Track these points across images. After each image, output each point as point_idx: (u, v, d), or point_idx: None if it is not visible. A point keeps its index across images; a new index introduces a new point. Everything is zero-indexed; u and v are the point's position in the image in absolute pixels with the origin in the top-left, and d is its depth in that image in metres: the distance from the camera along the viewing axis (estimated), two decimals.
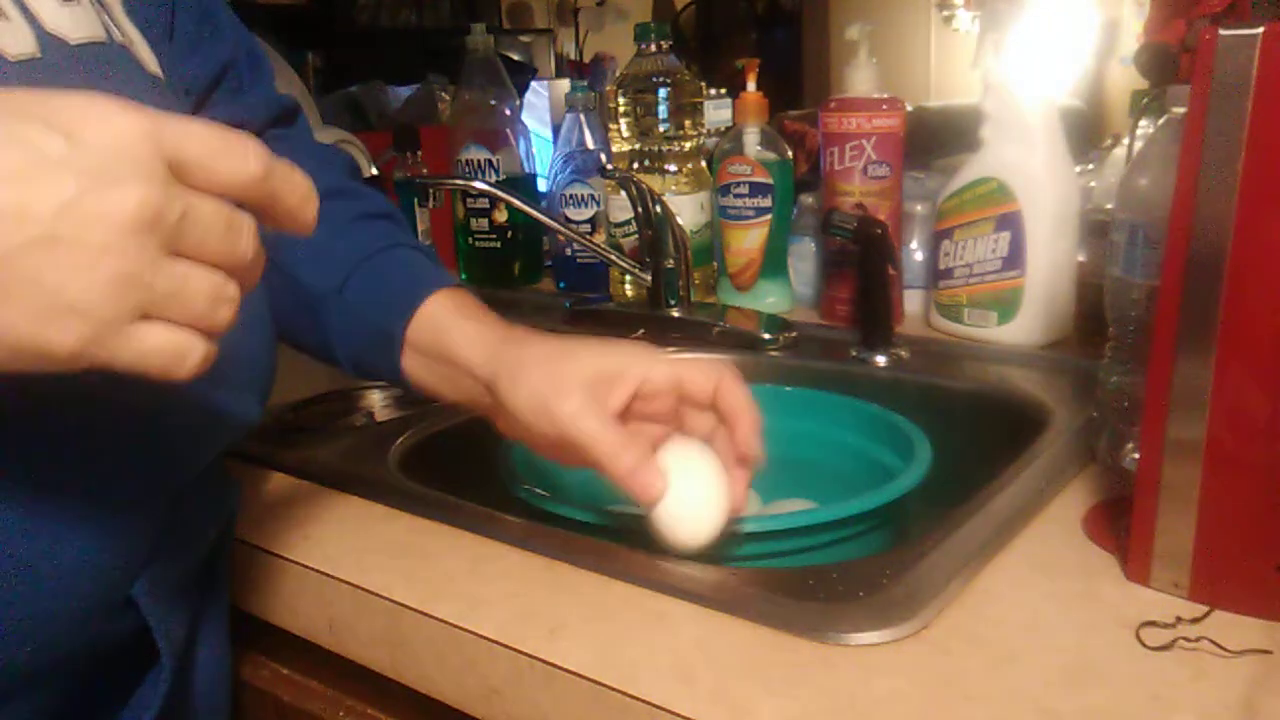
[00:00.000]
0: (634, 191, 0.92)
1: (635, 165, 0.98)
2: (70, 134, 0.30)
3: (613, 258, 0.99)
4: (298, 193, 0.34)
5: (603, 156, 1.10)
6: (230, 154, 0.32)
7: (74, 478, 0.40)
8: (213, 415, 0.47)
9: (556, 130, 1.19)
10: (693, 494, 0.50)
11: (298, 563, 0.53)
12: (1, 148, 0.29)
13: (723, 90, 1.32)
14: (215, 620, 0.53)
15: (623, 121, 0.98)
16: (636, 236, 0.98)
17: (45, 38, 0.42)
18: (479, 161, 1.14)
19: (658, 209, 0.92)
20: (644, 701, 0.40)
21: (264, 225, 0.34)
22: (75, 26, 0.44)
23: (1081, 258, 0.83)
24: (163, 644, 0.45)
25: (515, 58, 1.97)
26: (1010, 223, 0.81)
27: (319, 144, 0.69)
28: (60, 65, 0.42)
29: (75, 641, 0.42)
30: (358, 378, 0.63)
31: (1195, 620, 0.42)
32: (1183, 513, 0.43)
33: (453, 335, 0.56)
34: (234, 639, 0.55)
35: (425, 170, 1.19)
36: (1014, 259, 0.81)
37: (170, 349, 0.32)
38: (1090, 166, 0.95)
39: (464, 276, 1.17)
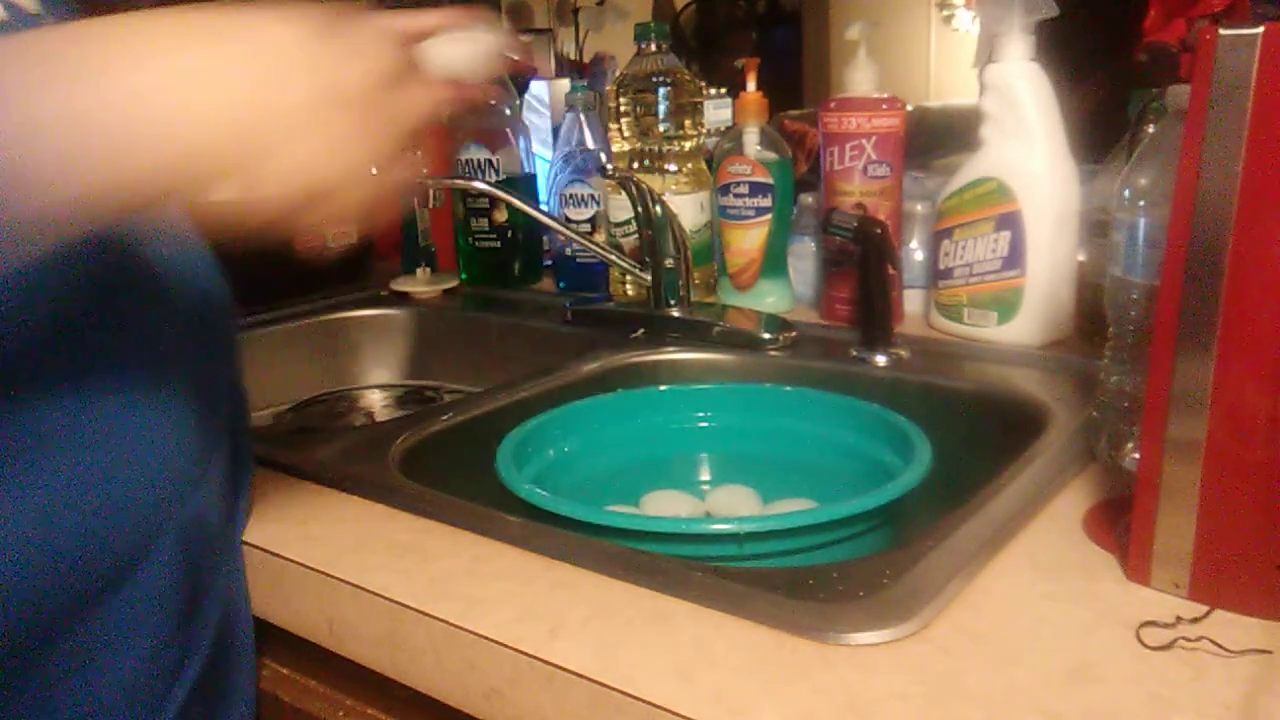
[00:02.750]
0: (634, 191, 0.92)
1: (635, 165, 0.98)
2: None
3: (613, 258, 0.99)
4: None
5: (603, 156, 1.10)
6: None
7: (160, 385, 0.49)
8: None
9: (556, 131, 1.19)
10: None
11: (298, 563, 0.53)
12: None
13: (723, 90, 1.32)
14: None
15: (623, 121, 0.98)
16: (636, 237, 0.98)
17: (11, 6, 0.44)
18: (479, 161, 1.14)
19: (658, 209, 0.92)
20: (644, 701, 0.40)
21: None
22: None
23: (1081, 258, 0.83)
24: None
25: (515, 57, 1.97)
26: (1010, 223, 0.81)
27: None
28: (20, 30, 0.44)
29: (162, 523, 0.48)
30: None
31: (1195, 620, 0.42)
32: (1183, 513, 0.43)
33: None
34: None
35: (425, 170, 1.19)
36: (1014, 259, 0.81)
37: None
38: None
39: (464, 276, 1.17)
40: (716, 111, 1.26)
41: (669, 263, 0.94)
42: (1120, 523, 0.49)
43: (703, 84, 1.02)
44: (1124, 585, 0.46)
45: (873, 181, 0.87)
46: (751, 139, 0.94)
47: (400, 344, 1.11)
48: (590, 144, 1.13)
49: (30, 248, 0.37)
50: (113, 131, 0.36)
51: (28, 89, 0.34)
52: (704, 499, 0.76)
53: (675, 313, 0.94)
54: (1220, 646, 0.40)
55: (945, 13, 3.73)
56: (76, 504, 0.44)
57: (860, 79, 0.88)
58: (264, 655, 0.61)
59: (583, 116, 1.13)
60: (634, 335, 0.93)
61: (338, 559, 0.53)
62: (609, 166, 0.95)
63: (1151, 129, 0.72)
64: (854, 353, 0.84)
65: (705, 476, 0.79)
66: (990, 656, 0.41)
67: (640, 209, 0.93)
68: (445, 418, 0.75)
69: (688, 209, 0.97)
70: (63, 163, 0.35)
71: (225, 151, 0.38)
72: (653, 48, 0.97)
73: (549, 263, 1.20)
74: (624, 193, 0.95)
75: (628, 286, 1.03)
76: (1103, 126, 0.86)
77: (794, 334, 0.88)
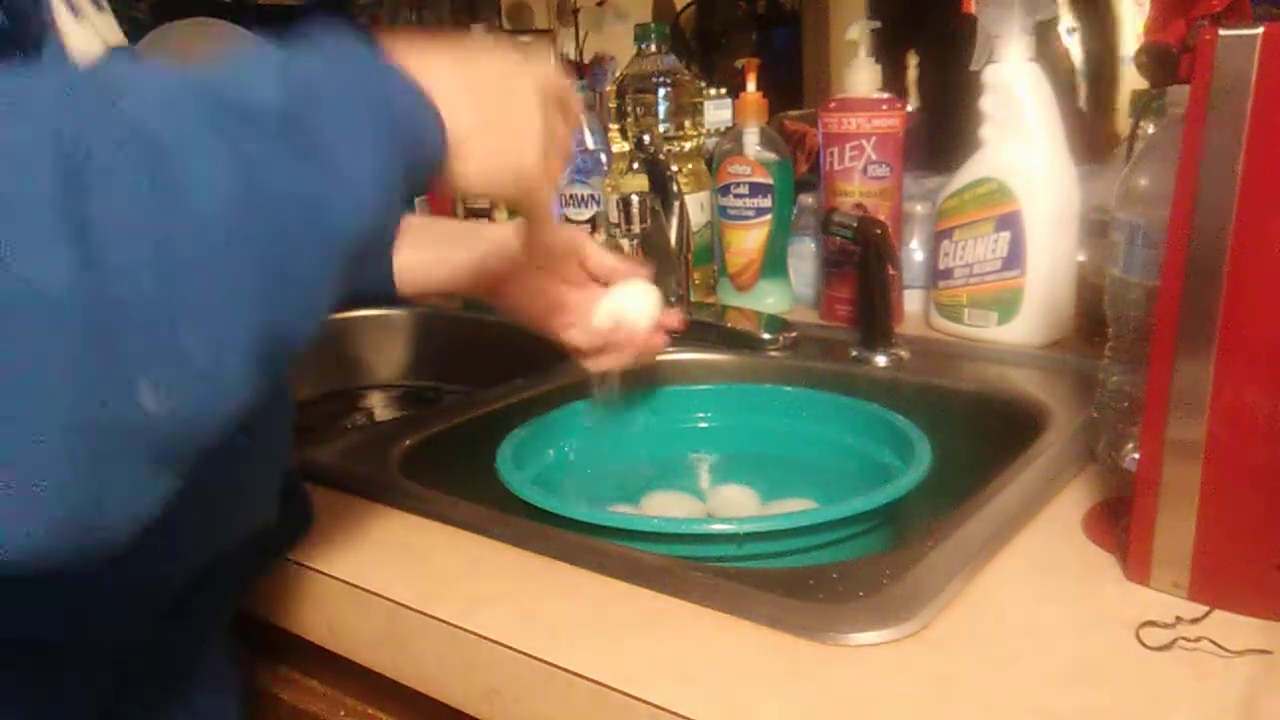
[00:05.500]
0: (659, 175, 0.90)
1: (634, 165, 0.98)
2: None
3: None
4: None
5: (603, 156, 1.10)
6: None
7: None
8: None
9: None
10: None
11: (297, 563, 0.53)
12: (468, 50, 0.45)
13: (723, 90, 1.32)
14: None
15: (623, 121, 0.98)
16: (639, 237, 0.97)
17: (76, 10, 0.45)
18: None
19: (676, 203, 0.90)
20: (644, 701, 0.40)
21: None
22: (110, 33, 0.46)
23: (1081, 258, 0.83)
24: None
25: None
26: (1010, 223, 0.80)
27: None
28: None
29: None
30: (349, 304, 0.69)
31: (1195, 620, 0.42)
32: (1183, 513, 0.43)
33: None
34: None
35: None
36: (1014, 259, 0.81)
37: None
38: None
39: None
40: (716, 112, 1.26)
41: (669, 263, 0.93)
42: (1120, 523, 0.49)
43: (703, 84, 1.01)
44: (1124, 585, 0.46)
45: (873, 182, 0.87)
46: (751, 139, 0.94)
47: (400, 344, 1.11)
48: (590, 144, 1.13)
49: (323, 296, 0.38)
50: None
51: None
52: (704, 499, 0.76)
53: None
54: (1220, 646, 0.40)
55: None
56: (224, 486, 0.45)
57: (860, 79, 0.88)
58: (264, 655, 0.61)
59: (583, 116, 1.13)
60: None
61: (338, 559, 0.53)
62: (646, 140, 0.93)
63: (1151, 129, 0.72)
64: (854, 353, 0.83)
65: (705, 476, 0.79)
66: (990, 656, 0.41)
67: (660, 194, 0.92)
68: (445, 418, 0.75)
69: (688, 209, 0.97)
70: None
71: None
72: (653, 48, 0.97)
73: None
74: (646, 173, 0.93)
75: None
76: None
77: (794, 334, 0.88)
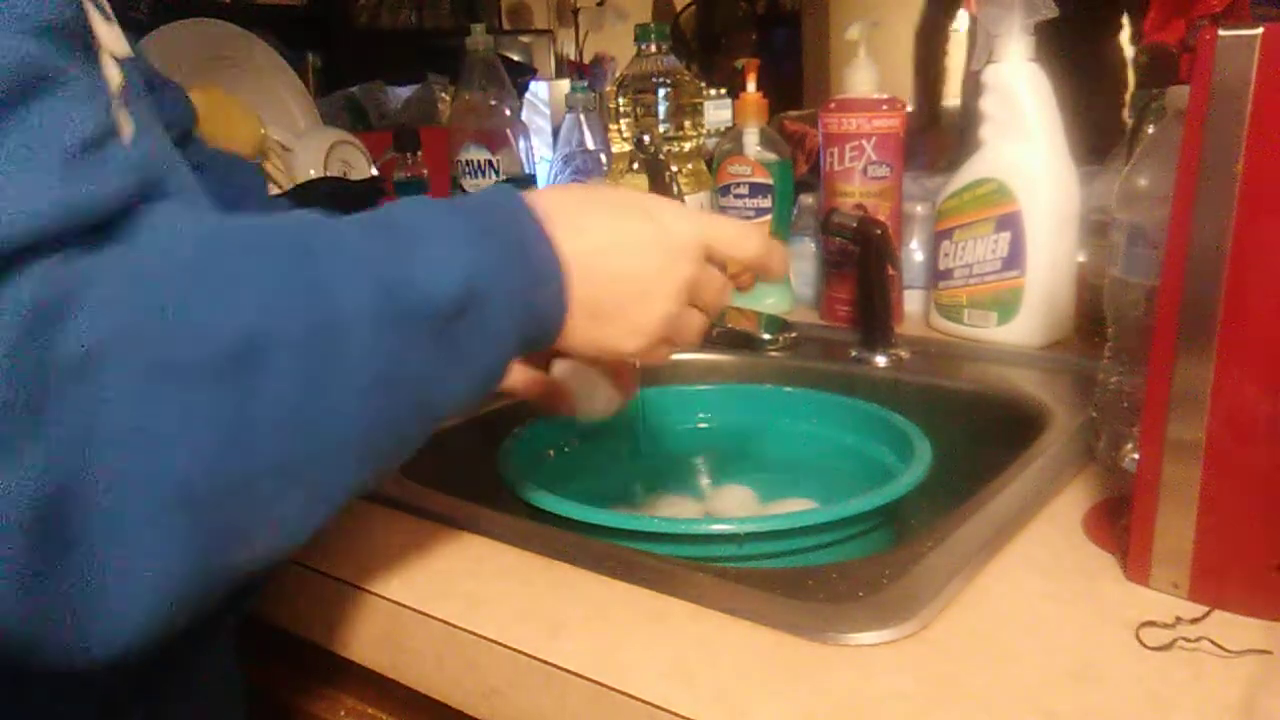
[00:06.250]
0: (662, 173, 0.90)
1: (634, 165, 0.98)
2: (659, 224, 0.46)
3: None
4: (779, 258, 0.54)
5: (603, 156, 1.10)
6: (742, 241, 0.51)
7: None
8: None
9: (556, 131, 1.19)
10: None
11: (297, 563, 0.53)
12: (625, 232, 0.45)
13: (723, 90, 1.32)
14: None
15: (623, 122, 0.98)
16: None
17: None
18: (479, 162, 1.14)
19: (675, 188, 0.90)
20: (644, 701, 0.40)
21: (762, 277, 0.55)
22: (119, 44, 0.47)
23: (1081, 258, 0.83)
24: None
25: (515, 58, 1.97)
26: (1010, 223, 0.81)
27: (230, 157, 0.72)
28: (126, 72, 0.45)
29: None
30: None
31: (1195, 620, 0.42)
32: (1183, 513, 0.43)
33: None
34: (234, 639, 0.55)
35: (425, 171, 1.19)
36: (1014, 259, 0.81)
37: (664, 357, 0.51)
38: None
39: None
40: (716, 112, 1.26)
41: None
42: (1120, 523, 0.49)
43: (703, 84, 1.01)
44: (1124, 585, 0.46)
45: (873, 182, 0.87)
46: (751, 140, 0.94)
47: None
48: (590, 144, 1.13)
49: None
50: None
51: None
52: (704, 499, 0.76)
53: None
54: (1220, 646, 0.40)
55: None
56: None
57: (860, 79, 0.88)
58: (264, 655, 0.61)
59: (583, 117, 1.13)
60: None
61: (338, 559, 0.53)
62: (647, 139, 0.92)
63: (1151, 129, 0.72)
64: (854, 353, 0.84)
65: (705, 476, 0.79)
66: (990, 656, 0.41)
67: (660, 194, 0.91)
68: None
69: None
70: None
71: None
72: (653, 48, 0.97)
73: None
74: (646, 173, 0.93)
75: None
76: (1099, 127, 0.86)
77: (794, 334, 0.88)
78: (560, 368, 0.57)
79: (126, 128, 0.38)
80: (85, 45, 0.36)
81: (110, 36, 0.46)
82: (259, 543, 0.34)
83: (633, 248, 0.46)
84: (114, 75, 0.40)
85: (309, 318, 0.33)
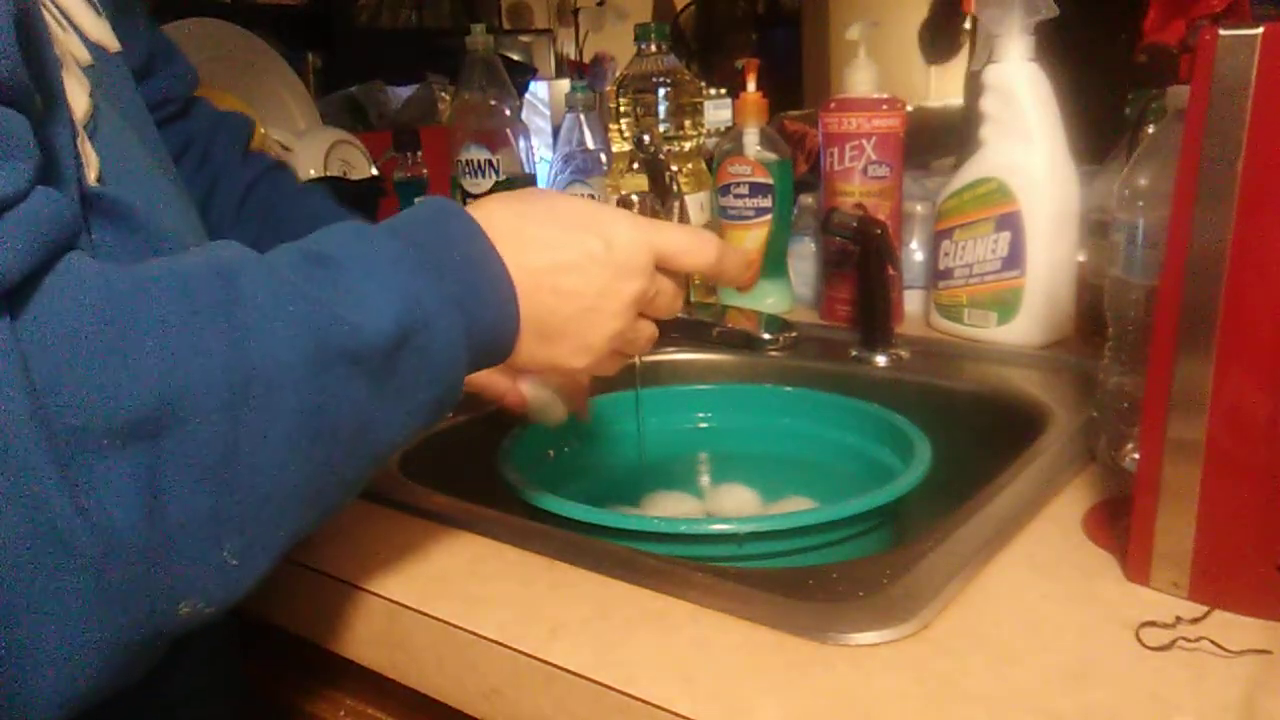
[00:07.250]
0: (661, 174, 0.90)
1: (634, 165, 0.98)
2: (605, 240, 0.45)
3: None
4: (738, 265, 0.51)
5: (603, 156, 1.10)
6: (694, 250, 0.48)
7: None
8: None
9: (556, 131, 1.19)
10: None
11: (297, 563, 0.53)
12: (570, 248, 0.45)
13: (723, 90, 1.32)
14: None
15: (623, 121, 0.98)
16: None
17: (93, 48, 0.45)
18: (479, 162, 1.14)
19: (675, 188, 0.90)
20: (644, 701, 0.40)
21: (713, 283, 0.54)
22: (108, 38, 0.47)
23: (1081, 258, 0.83)
24: None
25: (515, 58, 1.97)
26: (1010, 223, 0.81)
27: (223, 112, 0.70)
28: (105, 71, 0.45)
29: None
30: None
31: (1195, 620, 0.42)
32: (1183, 513, 0.43)
33: None
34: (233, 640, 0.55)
35: (425, 171, 1.19)
36: (1014, 259, 0.81)
37: (614, 369, 0.51)
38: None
39: None
40: (716, 112, 1.26)
41: None
42: (1120, 523, 0.49)
43: (703, 84, 1.01)
44: (1124, 585, 0.46)
45: (873, 182, 0.87)
46: (751, 139, 0.94)
47: None
48: (590, 144, 1.13)
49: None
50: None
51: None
52: (704, 499, 0.76)
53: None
54: (1220, 647, 0.40)
55: None
56: None
57: (860, 79, 0.88)
58: (264, 655, 0.61)
59: (583, 117, 1.13)
60: None
61: (338, 559, 0.53)
62: (647, 139, 0.92)
63: (1151, 129, 0.72)
64: (854, 353, 0.84)
65: (705, 476, 0.79)
66: (990, 656, 0.41)
67: (660, 194, 0.91)
68: (445, 417, 0.75)
69: (688, 209, 0.97)
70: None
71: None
72: (653, 48, 0.97)
73: None
74: (646, 173, 0.93)
75: None
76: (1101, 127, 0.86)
77: (794, 334, 0.88)
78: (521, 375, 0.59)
79: (91, 163, 0.37)
80: (25, 94, 0.32)
81: (99, 29, 0.46)
82: (195, 597, 0.33)
83: (578, 266, 0.45)
84: (80, 102, 0.39)
85: (227, 372, 0.32)
